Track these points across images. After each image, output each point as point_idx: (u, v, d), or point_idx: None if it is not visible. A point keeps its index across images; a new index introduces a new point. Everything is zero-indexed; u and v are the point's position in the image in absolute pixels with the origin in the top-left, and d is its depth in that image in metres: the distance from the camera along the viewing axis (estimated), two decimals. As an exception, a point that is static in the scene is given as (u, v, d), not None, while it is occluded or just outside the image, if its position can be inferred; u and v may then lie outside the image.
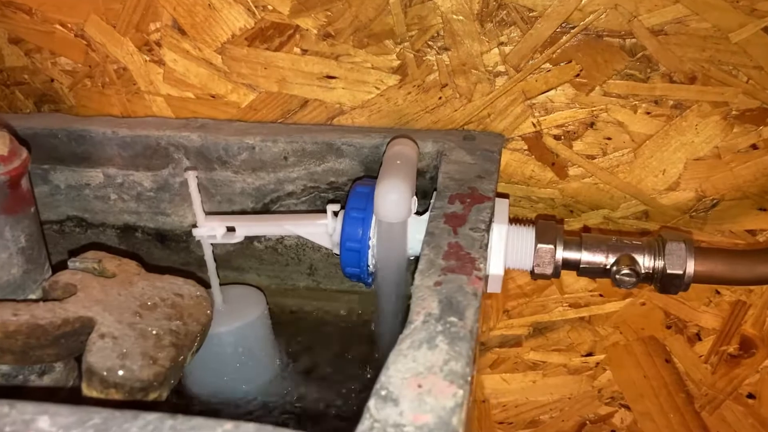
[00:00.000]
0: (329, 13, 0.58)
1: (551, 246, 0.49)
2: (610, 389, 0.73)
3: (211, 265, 0.54)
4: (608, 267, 0.49)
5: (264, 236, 0.66)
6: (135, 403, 0.39)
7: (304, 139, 0.59)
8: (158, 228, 0.66)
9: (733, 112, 0.57)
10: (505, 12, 0.56)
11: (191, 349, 0.44)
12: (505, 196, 0.62)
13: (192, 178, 0.51)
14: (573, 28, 0.55)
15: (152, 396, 0.40)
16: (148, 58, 0.64)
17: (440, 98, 0.61)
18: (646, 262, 0.48)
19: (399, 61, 0.60)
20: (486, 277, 0.48)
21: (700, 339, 0.68)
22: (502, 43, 0.57)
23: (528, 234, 0.50)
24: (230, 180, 0.62)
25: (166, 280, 0.48)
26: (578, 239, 0.50)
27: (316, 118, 0.64)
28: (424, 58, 0.59)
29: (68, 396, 0.47)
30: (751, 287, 0.64)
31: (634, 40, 0.55)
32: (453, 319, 0.36)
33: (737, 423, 0.71)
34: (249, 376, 0.57)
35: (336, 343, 0.63)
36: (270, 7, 0.59)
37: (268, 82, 0.63)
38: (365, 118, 0.63)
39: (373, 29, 0.58)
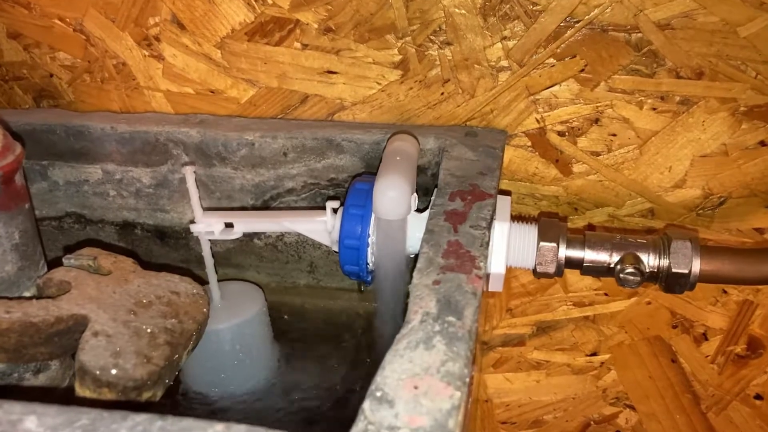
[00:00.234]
0: (330, 7, 0.58)
1: (554, 244, 0.48)
2: (614, 389, 0.72)
3: (209, 261, 0.54)
4: (612, 266, 0.48)
5: (264, 233, 0.65)
6: (128, 403, 0.38)
7: (304, 135, 0.59)
8: (157, 225, 0.66)
9: (741, 108, 0.55)
10: (508, 6, 0.55)
11: (187, 348, 0.43)
12: (507, 193, 0.61)
13: (189, 174, 0.50)
14: (578, 22, 0.54)
15: (146, 395, 0.39)
16: (147, 53, 0.63)
17: (442, 94, 0.60)
18: (651, 260, 0.47)
19: (401, 56, 0.59)
20: (487, 276, 0.48)
21: (706, 339, 0.67)
22: (505, 38, 0.56)
23: (530, 232, 0.49)
24: (229, 176, 0.61)
25: (162, 278, 0.47)
26: (582, 237, 0.49)
27: (317, 113, 0.63)
28: (426, 53, 0.58)
29: (62, 395, 0.47)
30: (759, 287, 0.63)
31: (639, 35, 0.54)
32: (451, 318, 0.35)
33: (744, 424, 0.70)
34: (247, 374, 0.56)
35: (335, 341, 0.62)
36: (270, 1, 0.58)
37: (268, 77, 0.62)
38: (366, 113, 0.62)
39: (374, 23, 0.58)
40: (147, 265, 0.51)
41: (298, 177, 0.61)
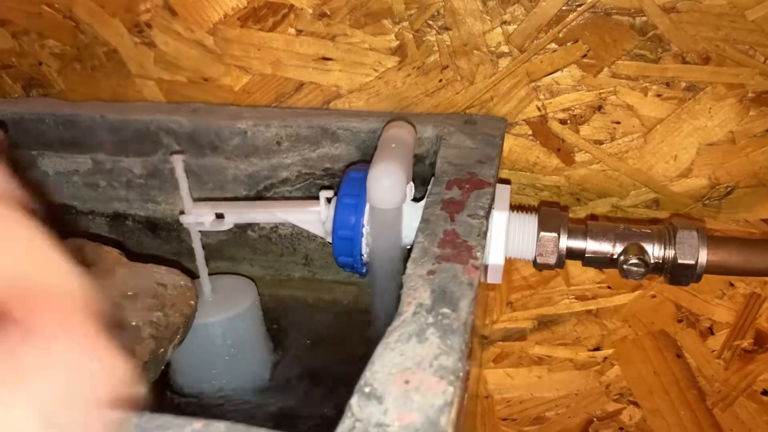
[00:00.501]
0: (324, -8, 0.56)
1: (554, 234, 0.46)
2: (618, 385, 0.70)
3: (199, 253, 0.52)
4: (615, 256, 0.46)
5: (257, 225, 0.63)
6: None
7: (298, 123, 0.57)
8: (149, 216, 0.64)
9: (749, 95, 0.54)
10: (508, -11, 0.53)
11: (173, 342, 0.42)
12: (506, 182, 0.60)
13: (178, 163, 0.49)
14: (580, 5, 0.53)
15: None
16: (138, 40, 0.62)
17: (441, 81, 0.58)
18: (655, 251, 0.46)
19: (398, 42, 0.57)
20: (485, 267, 0.46)
21: (712, 333, 0.65)
22: (505, 22, 0.54)
23: (530, 222, 0.47)
24: (222, 166, 0.60)
25: (149, 269, 0.46)
26: (583, 227, 0.47)
27: (312, 101, 0.61)
28: (423, 39, 0.56)
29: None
30: (767, 279, 0.61)
31: (644, 18, 0.52)
32: (446, 310, 0.33)
33: (751, 421, 0.68)
34: (239, 370, 0.55)
35: (331, 335, 0.61)
36: (263, -14, 0.57)
37: (262, 64, 0.60)
38: (363, 101, 0.60)
39: (370, 8, 0.56)
40: (137, 257, 0.49)
41: (293, 167, 0.59)
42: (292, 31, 0.58)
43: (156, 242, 0.65)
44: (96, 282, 0.42)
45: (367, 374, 0.30)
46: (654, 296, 0.64)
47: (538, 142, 0.59)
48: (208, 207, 0.51)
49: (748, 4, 0.50)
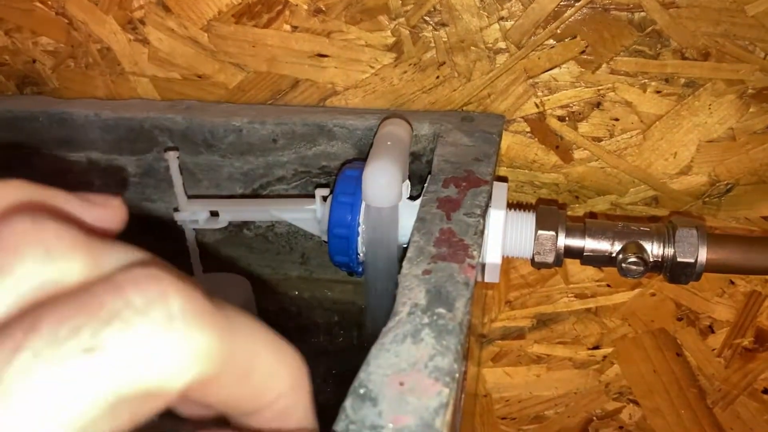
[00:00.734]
0: (320, -12, 0.55)
1: (552, 233, 0.46)
2: (617, 384, 0.70)
3: (193, 251, 0.52)
4: (614, 255, 0.46)
5: (253, 224, 0.63)
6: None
7: (293, 121, 0.56)
8: (144, 215, 0.63)
9: (749, 91, 0.53)
10: (505, -16, 0.52)
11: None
12: (504, 179, 0.59)
13: (173, 159, 0.49)
14: (578, 1, 0.52)
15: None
16: (132, 38, 0.61)
17: (438, 77, 0.57)
18: (654, 249, 0.45)
19: (394, 38, 0.56)
20: (482, 266, 0.45)
21: (713, 331, 0.65)
22: (502, 18, 0.54)
23: (528, 220, 0.47)
24: (217, 164, 0.59)
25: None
26: (582, 225, 0.47)
27: (308, 99, 0.61)
28: (420, 35, 0.56)
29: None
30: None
31: (643, 14, 0.52)
32: (441, 310, 0.33)
33: (752, 419, 0.68)
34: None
35: (328, 334, 0.60)
36: (258, -18, 0.56)
37: (257, 61, 0.60)
38: (359, 99, 0.60)
39: (366, 4, 0.55)
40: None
41: (289, 165, 0.59)
42: (287, 27, 0.58)
43: (151, 241, 0.65)
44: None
45: (362, 375, 0.29)
46: (654, 294, 0.64)
47: (536, 139, 0.58)
48: (203, 204, 0.50)
49: (748, -2, 0.49)
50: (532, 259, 0.47)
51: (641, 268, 0.45)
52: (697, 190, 0.58)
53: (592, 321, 0.67)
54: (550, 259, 0.46)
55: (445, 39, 0.55)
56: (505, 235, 0.46)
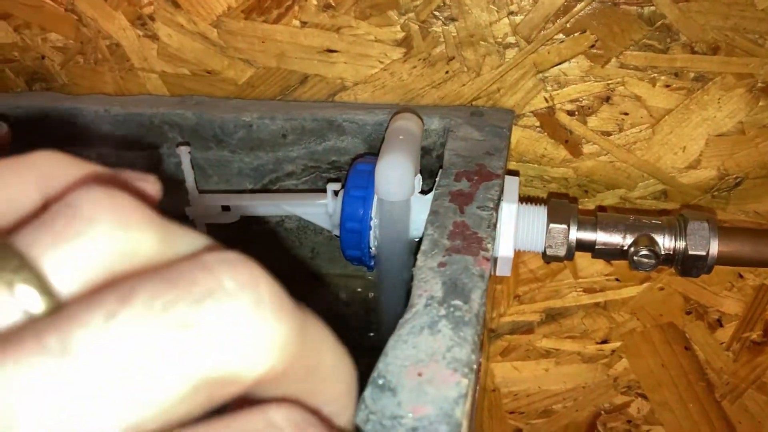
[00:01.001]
0: (329, -17, 0.55)
1: (564, 226, 0.46)
2: (626, 378, 0.70)
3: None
4: (626, 248, 0.46)
5: (263, 219, 0.63)
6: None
7: (303, 116, 0.57)
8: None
9: (759, 85, 0.53)
10: (515, -21, 0.53)
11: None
12: (515, 173, 0.59)
13: (185, 154, 0.49)
14: (588, -5, 0.52)
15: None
16: (141, 33, 0.61)
17: (447, 72, 0.58)
18: (666, 242, 0.45)
19: (403, 33, 0.57)
20: (495, 259, 0.46)
21: (721, 325, 0.65)
22: (512, 13, 0.54)
23: (539, 213, 0.47)
24: (227, 160, 0.59)
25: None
26: (593, 219, 0.47)
27: (317, 94, 0.61)
28: (429, 30, 0.56)
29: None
30: (776, 271, 0.61)
31: (653, 8, 0.52)
32: (457, 302, 0.33)
33: (760, 413, 0.68)
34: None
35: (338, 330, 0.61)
36: (267, -23, 0.56)
37: (266, 56, 0.60)
38: (369, 94, 0.60)
39: (375, -1, 0.55)
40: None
41: (298, 160, 0.59)
42: (296, 23, 0.58)
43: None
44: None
45: (380, 366, 0.29)
46: (662, 288, 0.64)
47: (545, 133, 0.58)
48: (214, 199, 0.50)
49: (758, -8, 0.49)
50: (544, 253, 0.47)
51: (653, 261, 0.45)
52: (706, 184, 0.58)
53: (601, 315, 0.67)
54: (562, 252, 0.46)
55: (455, 34, 0.56)
56: (517, 228, 0.46)
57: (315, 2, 0.56)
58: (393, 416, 0.27)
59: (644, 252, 0.45)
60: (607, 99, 0.56)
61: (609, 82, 0.55)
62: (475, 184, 0.44)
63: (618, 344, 0.68)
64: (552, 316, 0.68)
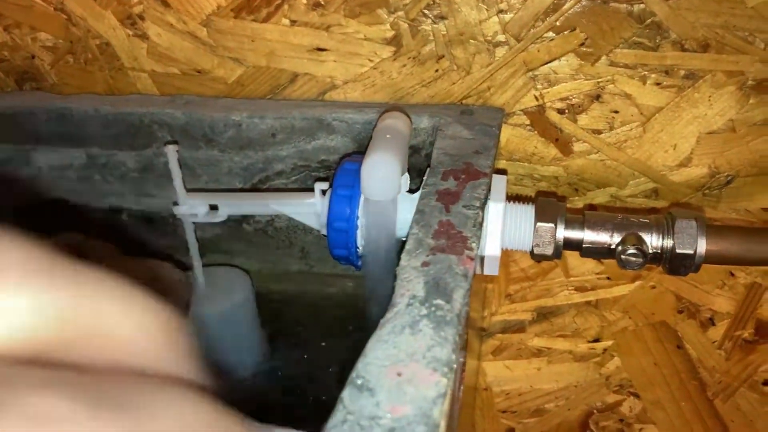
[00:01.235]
0: (318, -19, 0.55)
1: (551, 225, 0.46)
2: (618, 377, 0.70)
3: (192, 244, 0.52)
4: (613, 247, 0.46)
5: (253, 218, 0.63)
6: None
7: (293, 115, 0.56)
8: (144, 210, 0.64)
9: (749, 82, 0.53)
10: (504, -24, 0.52)
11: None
12: (503, 172, 0.59)
13: (172, 153, 0.48)
14: (577, -7, 0.52)
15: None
16: (131, 33, 0.61)
17: (437, 71, 0.57)
18: (654, 241, 0.45)
19: (393, 32, 0.56)
20: (481, 258, 0.45)
21: (713, 324, 0.64)
22: (501, 11, 0.54)
23: (527, 212, 0.46)
24: (216, 159, 0.59)
25: (142, 264, 0.45)
26: (581, 217, 0.47)
27: (307, 93, 0.61)
28: (419, 28, 0.56)
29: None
30: (768, 269, 0.61)
31: (642, 6, 0.52)
32: (439, 302, 0.33)
33: (752, 411, 0.68)
34: (232, 362, 0.54)
35: (327, 329, 0.61)
36: (256, -24, 0.56)
37: (256, 55, 0.59)
38: (358, 92, 0.60)
39: (364, -3, 0.55)
40: (134, 251, 0.49)
41: (288, 159, 0.59)
42: (286, 21, 0.58)
43: (153, 236, 0.65)
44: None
45: (359, 366, 0.29)
46: (654, 287, 0.64)
47: (535, 132, 0.58)
48: (202, 198, 0.50)
49: (748, -11, 0.49)
50: (532, 251, 0.47)
51: (640, 260, 0.45)
52: (697, 182, 0.58)
53: (593, 314, 0.67)
54: (549, 251, 0.46)
55: (444, 32, 0.55)
56: (504, 227, 0.46)
57: (304, 1, 0.56)
58: (371, 416, 0.26)
59: (632, 251, 0.45)
60: (598, 97, 0.56)
61: (599, 80, 0.55)
62: (462, 182, 0.44)
63: (610, 343, 0.68)
64: (543, 314, 0.67)
